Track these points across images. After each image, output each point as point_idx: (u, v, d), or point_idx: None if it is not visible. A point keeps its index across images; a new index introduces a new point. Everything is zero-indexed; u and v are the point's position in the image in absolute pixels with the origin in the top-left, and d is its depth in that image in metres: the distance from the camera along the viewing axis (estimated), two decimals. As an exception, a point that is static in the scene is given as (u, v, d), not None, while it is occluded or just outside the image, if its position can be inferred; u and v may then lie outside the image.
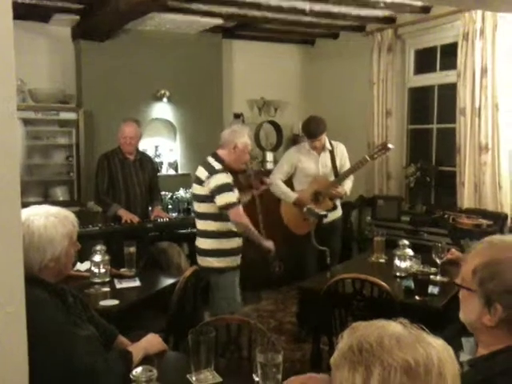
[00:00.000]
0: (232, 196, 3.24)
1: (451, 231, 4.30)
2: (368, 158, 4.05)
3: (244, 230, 3.34)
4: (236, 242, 3.38)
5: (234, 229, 3.33)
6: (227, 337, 2.20)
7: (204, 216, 3.38)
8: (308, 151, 4.23)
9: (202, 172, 3.33)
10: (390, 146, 4.08)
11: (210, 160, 3.34)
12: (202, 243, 3.41)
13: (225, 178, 3.25)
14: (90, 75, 5.16)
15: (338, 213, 4.35)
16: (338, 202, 4.35)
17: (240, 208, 3.28)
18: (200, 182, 3.32)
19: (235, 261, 3.40)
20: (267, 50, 6.33)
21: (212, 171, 3.27)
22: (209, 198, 3.28)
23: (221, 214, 3.29)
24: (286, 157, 4.40)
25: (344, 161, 4.28)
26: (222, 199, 3.22)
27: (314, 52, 6.66)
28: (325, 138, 4.20)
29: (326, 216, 3.75)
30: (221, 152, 3.36)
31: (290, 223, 4.30)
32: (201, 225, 3.42)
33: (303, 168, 4.23)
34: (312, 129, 4.13)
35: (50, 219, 1.83)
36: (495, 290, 1.28)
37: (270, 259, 3.56)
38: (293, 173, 4.30)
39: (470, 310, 1.35)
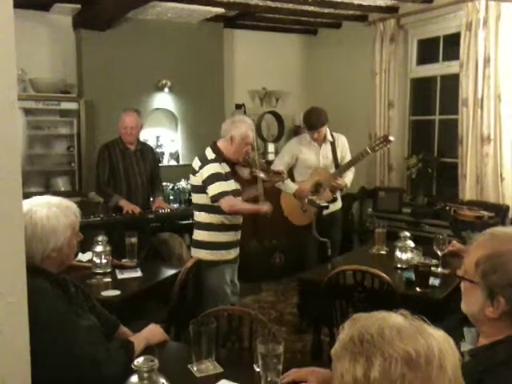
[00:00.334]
0: (224, 186, 3.19)
1: (452, 223, 4.29)
2: (369, 151, 4.03)
3: (243, 214, 3.33)
4: (229, 236, 3.33)
5: (227, 222, 3.29)
6: (228, 327, 2.20)
7: (198, 207, 3.36)
8: (309, 142, 4.22)
9: (196, 162, 3.31)
10: (391, 138, 4.06)
11: (207, 150, 3.32)
12: (196, 235, 3.39)
13: (216, 168, 3.21)
14: (91, 65, 5.14)
15: (338, 205, 4.34)
16: (339, 194, 4.34)
17: (232, 197, 3.21)
18: (194, 172, 3.30)
19: (227, 254, 3.34)
20: (269, 39, 6.29)
21: (204, 161, 3.25)
22: (202, 189, 3.25)
23: (213, 206, 3.25)
24: (286, 148, 4.39)
25: (345, 152, 4.27)
26: (214, 189, 3.18)
27: (316, 42, 6.62)
28: (326, 130, 4.19)
29: (327, 207, 3.74)
30: (220, 143, 3.34)
31: (290, 215, 4.29)
32: (196, 216, 3.39)
33: (304, 159, 4.22)
34: (313, 120, 4.11)
35: (52, 209, 1.83)
36: (498, 282, 1.28)
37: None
38: (294, 164, 4.29)
39: (472, 301, 1.35)
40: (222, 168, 3.25)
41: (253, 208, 3.35)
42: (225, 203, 3.18)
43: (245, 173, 3.42)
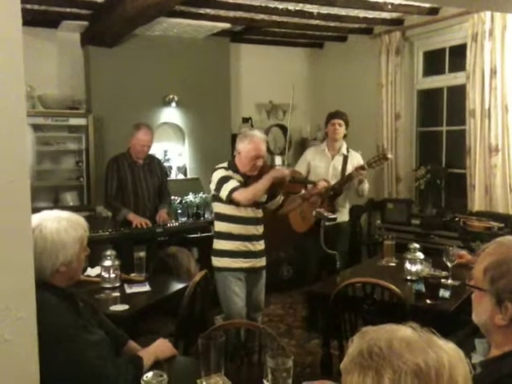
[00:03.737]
0: (231, 183, 3.21)
1: (462, 234, 4.27)
2: (365, 166, 4.01)
3: (261, 195, 3.28)
4: (234, 245, 3.32)
5: (234, 232, 3.30)
6: (237, 341, 2.19)
7: (214, 216, 3.44)
8: (322, 152, 4.26)
9: None
10: (389, 156, 4.04)
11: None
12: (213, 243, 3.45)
13: (221, 173, 3.26)
14: (99, 81, 5.19)
15: (345, 217, 4.31)
16: (346, 208, 4.30)
17: (243, 188, 3.20)
18: (210, 183, 3.38)
19: (233, 263, 3.32)
20: (275, 53, 6.33)
21: (213, 170, 3.33)
22: (215, 197, 3.31)
23: (223, 215, 3.30)
24: (302, 156, 4.45)
25: None
26: (225, 189, 3.21)
27: (322, 55, 6.66)
28: (343, 131, 4.23)
29: (334, 219, 3.73)
30: (236, 157, 3.38)
31: (291, 219, 4.31)
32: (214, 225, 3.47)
33: (315, 166, 4.26)
34: (336, 111, 4.25)
35: (62, 224, 1.83)
36: (505, 288, 1.28)
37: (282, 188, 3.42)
38: (308, 172, 4.30)
39: (482, 310, 1.34)
40: (226, 172, 3.28)
41: (265, 180, 3.23)
42: (239, 196, 3.19)
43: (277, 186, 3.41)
